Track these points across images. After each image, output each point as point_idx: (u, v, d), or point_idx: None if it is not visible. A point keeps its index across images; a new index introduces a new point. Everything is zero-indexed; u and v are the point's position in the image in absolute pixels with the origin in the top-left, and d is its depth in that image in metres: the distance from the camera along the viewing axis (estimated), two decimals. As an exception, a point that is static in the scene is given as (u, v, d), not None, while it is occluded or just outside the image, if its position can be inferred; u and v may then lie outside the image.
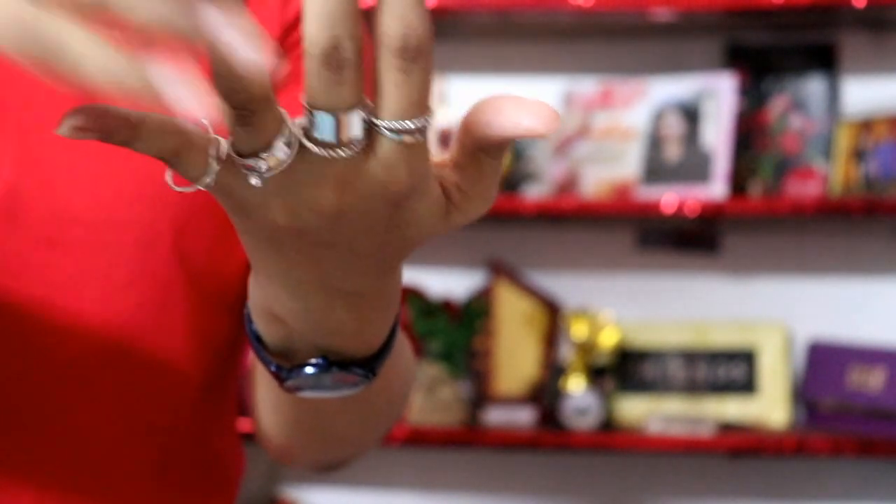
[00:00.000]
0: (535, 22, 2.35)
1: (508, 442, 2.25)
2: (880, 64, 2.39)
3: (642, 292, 2.45)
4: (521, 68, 2.47)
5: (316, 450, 0.80)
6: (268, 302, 0.56)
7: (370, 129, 0.47)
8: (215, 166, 0.48)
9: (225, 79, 0.45)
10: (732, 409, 2.34)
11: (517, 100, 0.49)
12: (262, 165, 0.48)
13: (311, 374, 0.59)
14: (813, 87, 2.38)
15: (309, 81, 0.46)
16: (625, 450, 2.32)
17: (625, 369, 2.39)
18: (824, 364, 2.31)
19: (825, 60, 2.38)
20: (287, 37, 0.82)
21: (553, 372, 2.38)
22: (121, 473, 0.79)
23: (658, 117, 2.36)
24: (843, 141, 2.31)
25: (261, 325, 0.58)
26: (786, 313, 2.40)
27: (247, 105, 0.46)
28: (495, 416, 2.31)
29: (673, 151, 2.34)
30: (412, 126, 0.47)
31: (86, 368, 0.77)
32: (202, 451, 0.84)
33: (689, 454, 2.37)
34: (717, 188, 2.25)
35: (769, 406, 2.32)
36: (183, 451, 0.82)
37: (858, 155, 2.29)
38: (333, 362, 0.58)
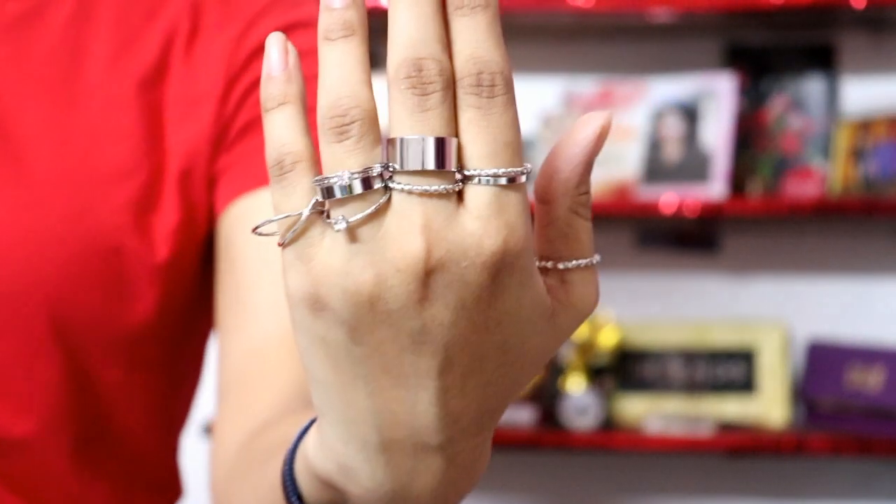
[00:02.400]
0: (535, 22, 2.36)
1: (508, 441, 2.25)
2: (879, 64, 2.39)
3: (642, 292, 2.46)
4: (521, 68, 2.47)
5: None
6: (334, 462, 0.48)
7: (461, 178, 0.44)
8: (316, 197, 0.45)
9: (330, 92, 0.44)
10: (732, 408, 2.35)
11: (568, 134, 0.46)
12: (348, 204, 0.43)
13: None
14: (812, 87, 2.39)
15: (393, 109, 0.43)
16: (624, 449, 2.32)
17: (624, 369, 2.40)
18: (823, 363, 2.32)
19: (824, 60, 2.39)
20: (241, 74, 0.80)
21: (553, 371, 2.38)
22: None
23: (658, 117, 2.37)
24: (842, 141, 2.32)
25: (311, 490, 0.51)
26: (785, 313, 2.41)
27: (350, 118, 0.43)
28: (495, 416, 2.31)
29: (672, 151, 2.34)
30: (502, 171, 0.43)
31: None
32: None
33: (689, 453, 2.38)
34: (716, 188, 2.26)
35: (768, 405, 2.33)
36: None
37: (857, 155, 2.29)
38: None
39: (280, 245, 0.46)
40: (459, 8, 0.43)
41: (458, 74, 0.43)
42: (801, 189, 2.32)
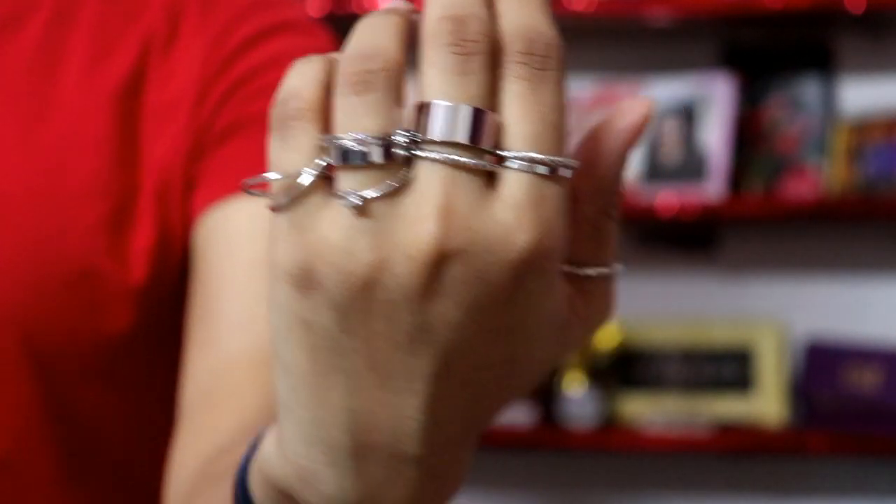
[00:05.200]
0: (533, 24, 2.36)
1: (508, 441, 2.26)
2: (877, 65, 2.40)
3: (641, 292, 2.46)
4: (520, 70, 2.48)
5: None
6: (294, 466, 0.42)
7: (497, 159, 0.37)
8: (319, 161, 0.38)
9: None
10: (730, 407, 2.36)
11: (606, 122, 0.41)
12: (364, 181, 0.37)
13: None
14: (810, 88, 2.39)
15: (426, 71, 0.37)
16: (624, 448, 2.33)
17: (623, 368, 2.40)
18: (821, 363, 2.32)
19: (822, 62, 2.40)
20: (219, 75, 0.76)
21: (552, 371, 2.39)
22: None
23: (656, 118, 2.37)
24: (840, 142, 2.33)
25: (264, 501, 0.44)
26: (783, 312, 2.42)
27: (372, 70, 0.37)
28: (495, 415, 2.32)
29: (671, 152, 2.35)
30: (548, 159, 0.37)
31: None
32: None
33: (688, 453, 2.39)
34: (714, 188, 2.27)
35: (767, 404, 2.33)
36: None
37: (855, 156, 2.30)
38: None
39: (272, 209, 0.39)
40: None
41: (507, 41, 0.38)
42: (798, 189, 2.33)
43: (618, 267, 0.42)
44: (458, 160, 0.36)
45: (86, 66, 0.76)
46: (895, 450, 2.22)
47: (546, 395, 2.36)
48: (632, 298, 2.45)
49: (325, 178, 0.38)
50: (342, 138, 0.37)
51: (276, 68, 0.76)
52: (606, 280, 0.42)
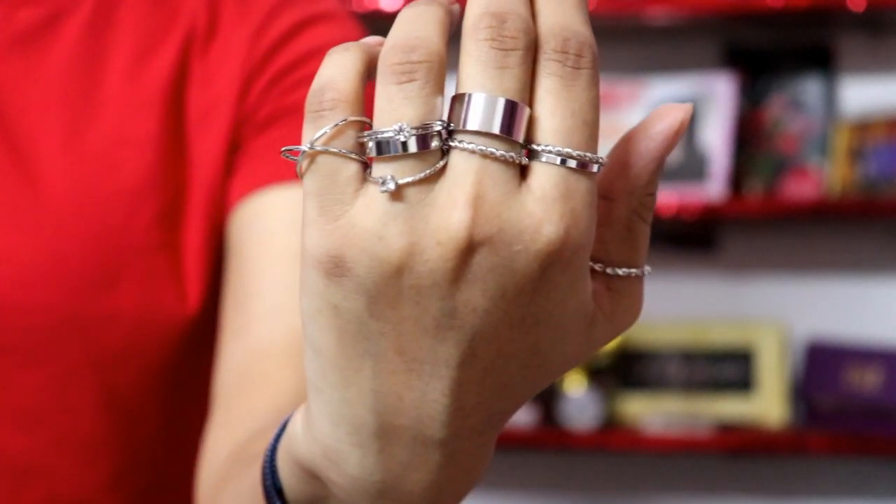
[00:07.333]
0: (534, 23, 2.36)
1: (508, 441, 2.25)
2: (877, 65, 2.40)
3: (641, 292, 2.46)
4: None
5: None
6: (320, 446, 0.43)
7: (529, 151, 0.39)
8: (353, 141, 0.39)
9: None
10: (731, 408, 2.36)
11: (642, 125, 0.42)
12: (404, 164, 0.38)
13: None
14: (810, 87, 2.39)
15: (465, 63, 0.39)
16: (624, 449, 2.33)
17: (624, 368, 2.40)
18: (822, 363, 2.33)
19: (823, 61, 2.40)
20: (261, 70, 0.77)
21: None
22: None
23: (657, 118, 2.37)
24: (841, 141, 2.33)
25: (292, 481, 0.45)
26: (784, 313, 2.42)
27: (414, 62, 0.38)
28: (495, 416, 2.31)
29: (671, 152, 2.35)
30: (576, 153, 0.38)
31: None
32: None
33: (688, 453, 2.39)
34: (715, 188, 2.27)
35: (767, 405, 2.33)
36: None
37: (856, 156, 2.30)
38: None
39: (299, 175, 0.41)
40: None
41: (542, 40, 0.39)
42: (799, 189, 2.33)
43: (647, 269, 0.44)
44: (492, 151, 0.37)
45: (130, 64, 0.77)
46: (895, 450, 2.22)
47: (546, 395, 2.35)
48: (632, 298, 2.45)
49: (361, 165, 0.39)
50: (383, 131, 0.38)
51: (314, 59, 0.77)
52: (635, 281, 0.44)
